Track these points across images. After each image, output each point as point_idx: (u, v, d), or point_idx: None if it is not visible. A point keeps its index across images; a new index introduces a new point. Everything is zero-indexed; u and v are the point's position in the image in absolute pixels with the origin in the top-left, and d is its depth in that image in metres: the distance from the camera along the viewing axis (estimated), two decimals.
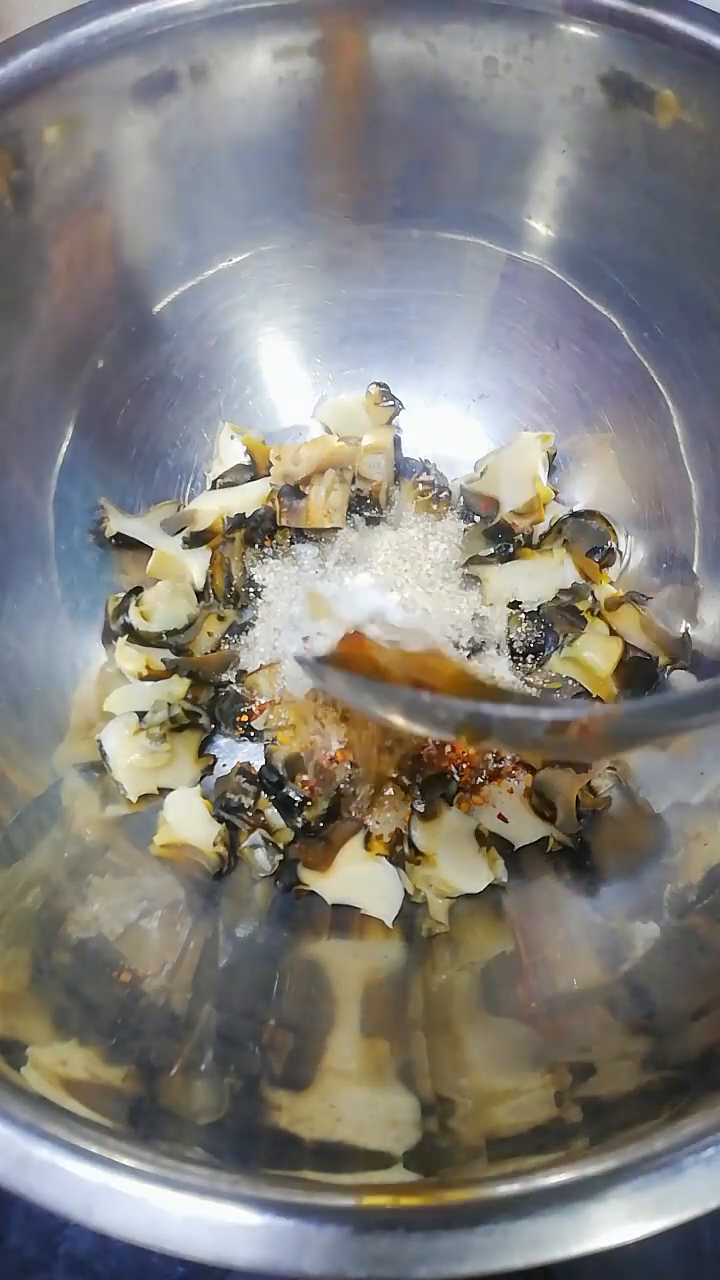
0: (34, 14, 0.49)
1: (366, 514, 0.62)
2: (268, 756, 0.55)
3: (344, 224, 0.60)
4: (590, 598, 0.59)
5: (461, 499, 0.63)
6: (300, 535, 0.62)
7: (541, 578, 0.59)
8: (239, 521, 0.60)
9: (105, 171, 0.52)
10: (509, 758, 0.55)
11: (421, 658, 0.39)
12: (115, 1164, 0.29)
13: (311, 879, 0.52)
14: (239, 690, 0.57)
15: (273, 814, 0.53)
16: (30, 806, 0.48)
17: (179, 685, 0.56)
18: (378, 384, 0.63)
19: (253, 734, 0.57)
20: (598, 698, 0.56)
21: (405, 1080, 0.41)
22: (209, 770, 0.57)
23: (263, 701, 0.57)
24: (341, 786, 0.53)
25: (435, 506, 0.63)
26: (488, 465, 0.62)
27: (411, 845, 0.52)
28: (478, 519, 0.63)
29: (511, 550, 0.60)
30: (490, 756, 0.55)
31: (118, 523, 0.58)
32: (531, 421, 0.63)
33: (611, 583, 0.60)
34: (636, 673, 0.56)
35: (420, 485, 0.63)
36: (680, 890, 0.47)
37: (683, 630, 0.56)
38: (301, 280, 0.62)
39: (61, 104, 0.49)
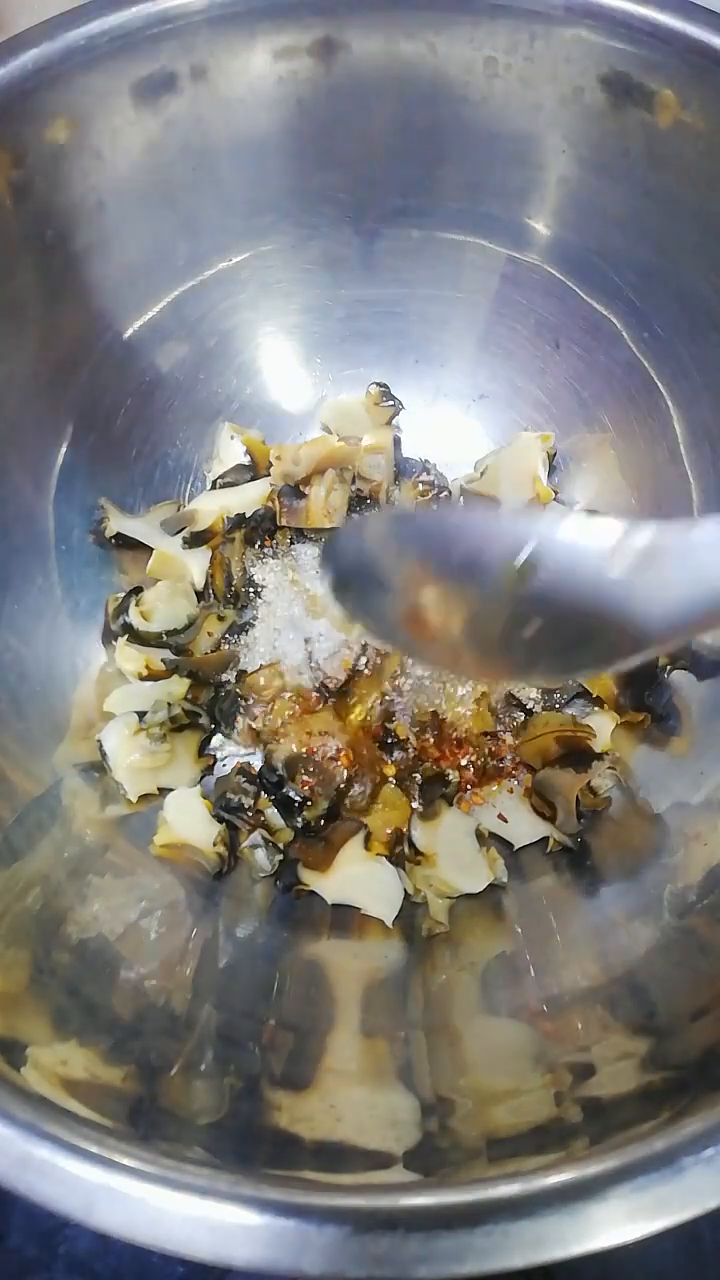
0: (34, 14, 0.49)
1: (366, 514, 0.62)
2: (267, 756, 0.55)
3: (344, 224, 0.60)
4: None
5: (461, 499, 0.63)
6: (300, 535, 0.62)
7: None
8: (239, 521, 0.60)
9: (105, 171, 0.52)
10: (509, 757, 0.55)
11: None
12: (115, 1164, 0.29)
13: (311, 879, 0.52)
14: (239, 690, 0.57)
15: (273, 814, 0.53)
16: (30, 806, 0.48)
17: (179, 685, 0.56)
18: (378, 384, 0.63)
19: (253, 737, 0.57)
20: (598, 697, 0.56)
21: (405, 1080, 0.41)
22: (209, 770, 0.57)
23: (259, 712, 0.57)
24: (341, 786, 0.53)
25: (435, 506, 0.63)
26: (488, 465, 0.62)
27: (411, 845, 0.52)
28: None
29: None
30: (489, 756, 0.55)
31: (118, 523, 0.58)
32: (531, 421, 0.63)
33: None
34: (636, 673, 0.56)
35: (420, 485, 0.63)
36: (680, 890, 0.47)
37: None
38: (301, 280, 0.62)
39: (61, 104, 0.49)
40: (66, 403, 0.56)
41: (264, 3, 0.50)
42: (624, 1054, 0.40)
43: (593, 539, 0.32)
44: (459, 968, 0.48)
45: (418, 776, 0.55)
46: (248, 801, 0.53)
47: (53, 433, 0.56)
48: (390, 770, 0.55)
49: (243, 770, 0.55)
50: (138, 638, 0.57)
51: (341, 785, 0.53)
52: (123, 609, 0.57)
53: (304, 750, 0.54)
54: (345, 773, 0.54)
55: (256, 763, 0.56)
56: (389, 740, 0.55)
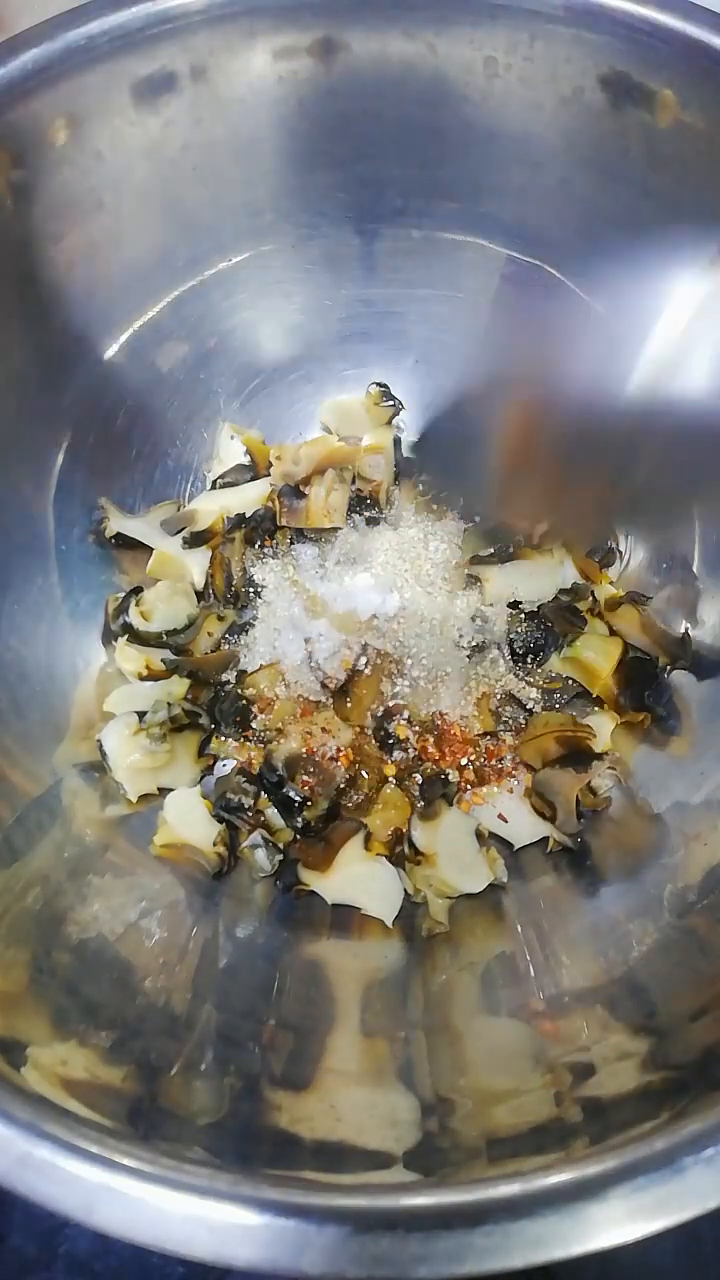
0: (34, 14, 0.49)
1: (366, 514, 0.62)
2: (267, 756, 0.55)
3: (344, 224, 0.60)
4: (590, 598, 0.59)
5: (461, 499, 0.63)
6: (300, 535, 0.61)
7: (541, 578, 0.59)
8: (239, 521, 0.60)
9: (105, 171, 0.52)
10: (509, 757, 0.55)
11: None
12: (115, 1164, 0.29)
13: (311, 879, 0.52)
14: (239, 690, 0.57)
15: (273, 814, 0.53)
16: (30, 806, 0.48)
17: (179, 685, 0.56)
18: (378, 384, 0.63)
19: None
20: (598, 696, 0.56)
21: (405, 1080, 0.41)
22: (209, 770, 0.57)
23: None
24: (341, 786, 0.53)
25: (435, 506, 0.63)
26: None
27: (411, 845, 0.52)
28: (478, 519, 0.63)
29: (511, 550, 0.60)
30: (489, 756, 0.55)
31: (118, 523, 0.58)
32: None
33: (611, 583, 0.60)
34: (636, 673, 0.56)
35: (420, 485, 0.63)
36: (680, 890, 0.47)
37: (683, 630, 0.56)
38: (301, 280, 0.62)
39: (61, 104, 0.49)
40: (66, 403, 0.56)
41: (264, 3, 0.50)
42: (624, 1054, 0.40)
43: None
44: (459, 968, 0.48)
45: (418, 776, 0.55)
46: (248, 801, 0.53)
47: (52, 433, 0.56)
48: (390, 770, 0.55)
49: (243, 770, 0.55)
50: (138, 638, 0.57)
51: (342, 785, 0.53)
52: (123, 609, 0.57)
53: (304, 750, 0.54)
54: (345, 773, 0.54)
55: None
56: (389, 740, 0.55)
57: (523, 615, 0.59)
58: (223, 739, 0.57)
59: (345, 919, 0.51)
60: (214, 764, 0.57)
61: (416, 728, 0.55)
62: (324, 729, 0.55)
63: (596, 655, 0.56)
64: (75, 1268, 0.49)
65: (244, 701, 0.57)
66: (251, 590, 0.60)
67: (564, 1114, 0.37)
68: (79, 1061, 0.37)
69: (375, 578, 0.59)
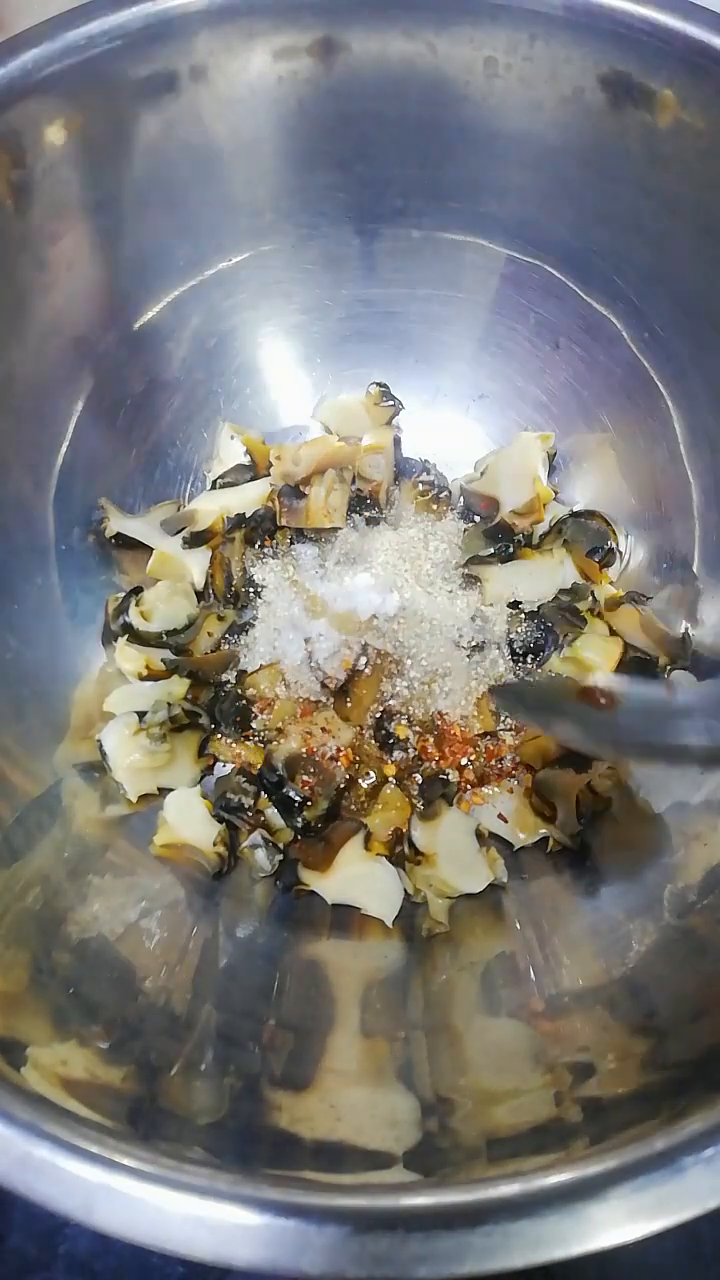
0: (34, 14, 0.49)
1: (366, 514, 0.62)
2: (267, 756, 0.55)
3: (344, 224, 0.60)
4: (590, 598, 0.59)
5: (461, 499, 0.63)
6: (300, 535, 0.61)
7: (541, 578, 0.59)
8: (239, 521, 0.60)
9: (105, 171, 0.52)
10: (509, 757, 0.55)
11: None
12: (115, 1164, 0.29)
13: (311, 879, 0.52)
14: (239, 690, 0.57)
15: (273, 814, 0.53)
16: (30, 806, 0.48)
17: (179, 685, 0.56)
18: (378, 384, 0.63)
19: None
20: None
21: (405, 1080, 0.41)
22: (209, 770, 0.57)
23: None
24: (341, 786, 0.53)
25: (435, 506, 0.63)
26: (488, 465, 0.62)
27: (411, 845, 0.52)
28: (478, 519, 0.63)
29: (511, 550, 0.60)
30: (489, 756, 0.55)
31: (118, 523, 0.58)
32: (531, 421, 0.63)
33: (611, 583, 0.60)
34: (636, 673, 0.56)
35: (420, 485, 0.63)
36: (680, 890, 0.47)
37: (683, 630, 0.56)
38: (301, 280, 0.62)
39: (61, 104, 0.49)
40: (66, 402, 0.56)
41: (264, 3, 0.50)
42: (624, 1054, 0.40)
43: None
44: (459, 968, 0.48)
45: (418, 776, 0.55)
46: (248, 801, 0.53)
47: (53, 432, 0.56)
48: (390, 770, 0.55)
49: (243, 770, 0.55)
50: (138, 638, 0.57)
51: (342, 785, 0.53)
52: (123, 609, 0.57)
53: (304, 750, 0.54)
54: (345, 773, 0.54)
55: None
56: (389, 740, 0.55)
57: (523, 615, 0.59)
58: (222, 739, 0.57)
59: (345, 919, 0.51)
60: (214, 764, 0.57)
61: (416, 728, 0.55)
62: (324, 729, 0.55)
63: (596, 655, 0.56)
64: (75, 1268, 0.49)
65: (244, 701, 0.57)
66: (251, 590, 0.60)
67: (564, 1114, 0.37)
68: (79, 1061, 0.37)
69: (375, 578, 0.59)
